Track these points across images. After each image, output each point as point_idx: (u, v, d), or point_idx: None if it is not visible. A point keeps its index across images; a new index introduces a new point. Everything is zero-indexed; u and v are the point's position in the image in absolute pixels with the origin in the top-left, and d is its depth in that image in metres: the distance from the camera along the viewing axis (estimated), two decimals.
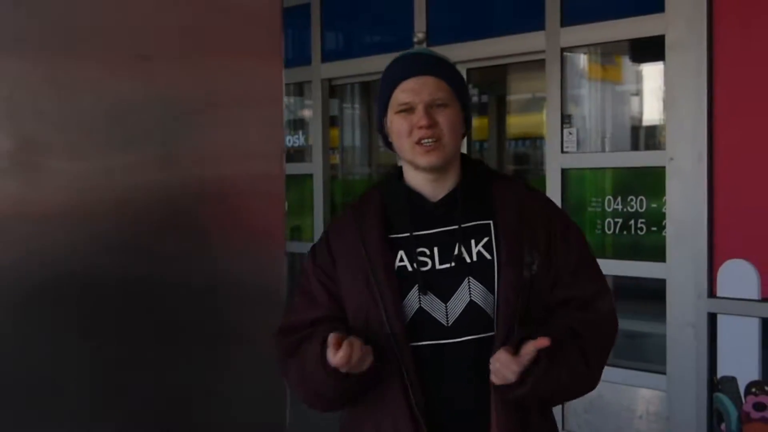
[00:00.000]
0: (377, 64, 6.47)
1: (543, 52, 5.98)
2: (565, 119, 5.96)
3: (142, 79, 2.78)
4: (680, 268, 4.83)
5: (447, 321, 2.13)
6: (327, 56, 7.64)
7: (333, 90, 7.84)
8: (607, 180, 5.84)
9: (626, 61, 6.22)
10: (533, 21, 6.04)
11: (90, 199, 2.66)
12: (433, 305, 2.15)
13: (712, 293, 4.71)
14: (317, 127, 7.76)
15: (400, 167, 2.32)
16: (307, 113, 8.11)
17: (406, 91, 2.18)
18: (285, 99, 7.73)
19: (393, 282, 2.15)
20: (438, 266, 2.17)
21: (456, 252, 2.17)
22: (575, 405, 5.63)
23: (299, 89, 8.22)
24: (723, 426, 4.69)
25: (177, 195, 2.84)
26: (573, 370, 2.11)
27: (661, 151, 5.03)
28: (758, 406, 4.57)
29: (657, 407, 5.12)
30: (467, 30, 6.70)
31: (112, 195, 2.68)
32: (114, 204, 2.67)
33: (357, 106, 8.33)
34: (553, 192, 5.89)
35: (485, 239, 2.18)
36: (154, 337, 2.79)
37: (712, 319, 4.71)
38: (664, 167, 4.98)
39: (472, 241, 2.18)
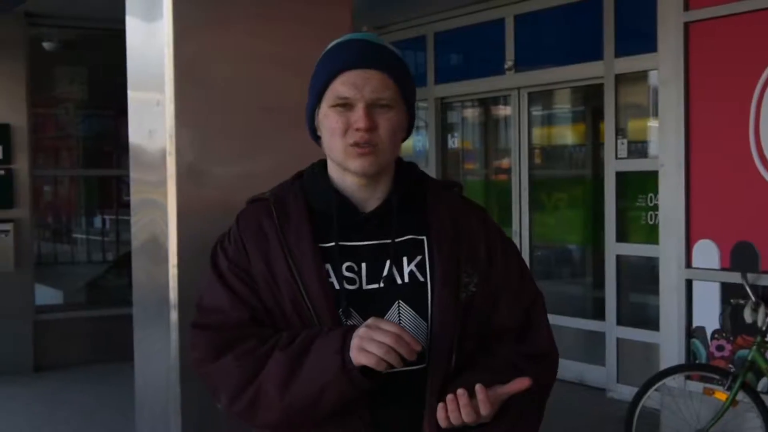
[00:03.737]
0: (478, 86, 8.60)
1: (602, 77, 7.98)
2: (619, 132, 7.91)
3: (266, 121, 4.24)
4: (668, 247, 6.79)
5: None
6: (439, 79, 9.87)
7: (445, 106, 10.03)
8: (638, 181, 7.76)
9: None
10: (594, 53, 8.03)
11: (235, 198, 4.57)
12: None
13: (689, 264, 6.62)
14: (432, 138, 9.97)
15: (324, 162, 2.12)
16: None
17: (346, 85, 1.98)
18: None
19: (330, 301, 1.95)
20: (365, 286, 1.98)
21: (386, 271, 1.98)
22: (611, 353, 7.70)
23: (418, 105, 10.48)
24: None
25: None
26: (526, 418, 2.01)
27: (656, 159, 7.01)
28: (719, 348, 6.46)
29: (654, 354, 7.12)
30: (545, 59, 8.73)
31: (245, 194, 4.74)
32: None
33: (467, 119, 10.49)
34: (609, 192, 7.88)
35: (418, 258, 2.01)
36: None
37: (689, 284, 6.62)
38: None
39: (404, 259, 2.00)
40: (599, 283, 8.19)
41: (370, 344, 1.81)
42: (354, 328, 1.87)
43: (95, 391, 8.31)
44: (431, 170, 9.87)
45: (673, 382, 5.95)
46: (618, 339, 7.84)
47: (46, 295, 9.92)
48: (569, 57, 8.41)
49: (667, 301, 6.75)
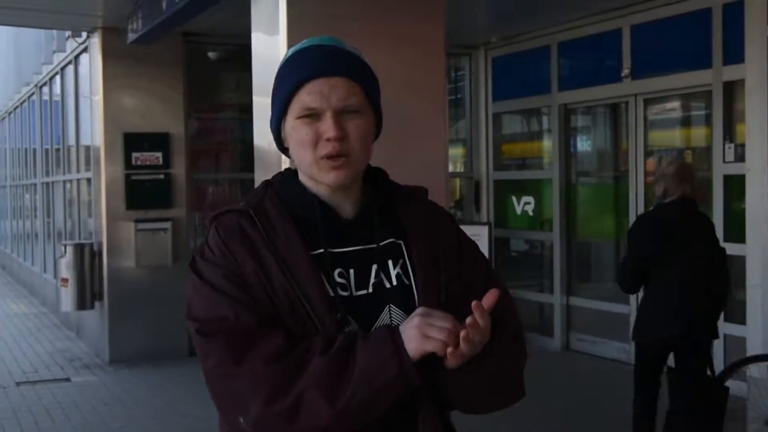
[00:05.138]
0: (597, 93, 9.34)
1: (711, 84, 8.63)
2: (726, 136, 8.52)
3: None
4: (753, 246, 7.40)
5: None
6: (563, 86, 10.65)
7: (568, 111, 10.79)
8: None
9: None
10: (703, 61, 8.67)
11: None
12: None
13: None
14: (555, 142, 10.74)
15: (291, 170, 2.11)
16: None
17: (312, 94, 1.96)
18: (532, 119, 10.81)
19: (331, 309, 1.94)
20: (355, 292, 1.99)
21: (373, 276, 2.01)
22: None
23: (539, 111, 11.32)
24: None
25: None
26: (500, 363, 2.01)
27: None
28: None
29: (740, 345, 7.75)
30: (659, 66, 9.38)
31: None
32: None
33: (588, 124, 11.19)
34: (717, 194, 8.51)
35: (401, 261, 2.05)
36: None
37: None
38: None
39: (390, 263, 2.04)
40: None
41: (432, 330, 1.84)
42: (393, 327, 1.90)
43: None
44: (554, 173, 10.68)
45: (756, 371, 6.59)
46: (724, 335, 8.44)
47: None
48: (681, 65, 9.03)
49: (752, 296, 7.38)
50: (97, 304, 10.76)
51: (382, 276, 2.03)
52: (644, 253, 5.81)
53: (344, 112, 1.98)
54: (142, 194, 10.50)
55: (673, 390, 5.92)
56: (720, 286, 5.93)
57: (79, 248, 10.74)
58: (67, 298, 10.70)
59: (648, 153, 9.65)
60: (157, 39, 9.47)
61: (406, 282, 2.04)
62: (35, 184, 17.07)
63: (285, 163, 5.06)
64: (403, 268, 2.05)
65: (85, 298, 10.67)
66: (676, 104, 9.79)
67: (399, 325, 1.90)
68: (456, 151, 12.57)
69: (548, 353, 10.27)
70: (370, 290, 2.01)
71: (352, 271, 2.01)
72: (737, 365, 6.45)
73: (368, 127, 2.03)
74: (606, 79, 9.98)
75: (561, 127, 10.66)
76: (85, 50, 11.55)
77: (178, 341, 10.54)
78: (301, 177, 2.07)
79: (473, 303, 1.86)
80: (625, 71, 9.60)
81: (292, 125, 2.01)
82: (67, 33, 11.98)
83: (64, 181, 13.94)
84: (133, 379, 9.71)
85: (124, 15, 9.53)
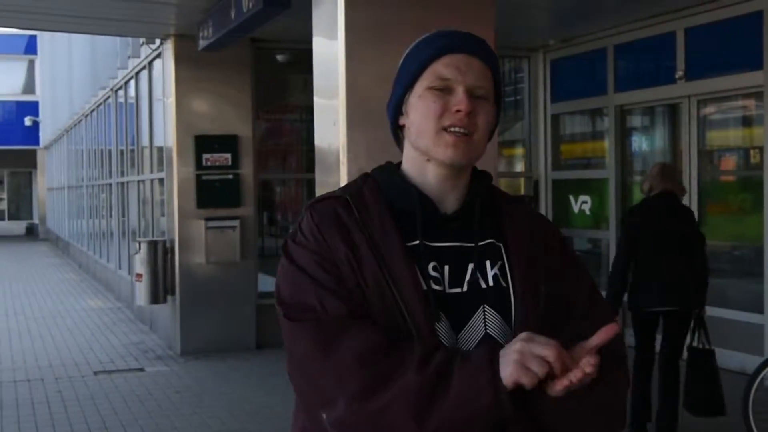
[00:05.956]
0: (652, 94, 9.64)
1: (762, 86, 8.88)
2: None
3: None
4: None
5: None
6: (619, 88, 10.92)
7: (624, 113, 11.05)
8: None
9: None
10: (755, 62, 8.93)
11: None
12: (446, 336, 1.87)
13: None
14: (611, 142, 11.02)
15: (396, 164, 2.05)
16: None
17: (449, 66, 1.92)
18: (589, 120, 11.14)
19: (423, 302, 1.86)
20: (448, 289, 1.91)
21: (469, 275, 1.93)
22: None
23: (596, 112, 11.62)
24: None
25: None
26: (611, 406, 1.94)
27: None
28: None
29: None
30: (712, 68, 9.62)
31: None
32: None
33: (643, 124, 11.41)
34: None
35: (499, 263, 1.96)
36: None
37: None
38: None
39: (487, 263, 1.96)
40: (758, 278, 9.03)
41: (532, 362, 1.73)
42: (494, 350, 1.78)
43: None
44: (611, 173, 10.96)
45: None
46: None
47: (267, 283, 11.45)
48: (733, 66, 9.30)
49: None
50: (169, 298, 11.22)
51: (478, 275, 1.94)
52: (634, 235, 6.76)
53: (474, 94, 1.93)
54: (211, 194, 10.92)
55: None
56: (700, 267, 6.70)
57: (153, 245, 11.21)
58: (142, 292, 11.18)
59: (701, 152, 9.89)
60: (227, 45, 9.92)
61: (504, 284, 1.95)
62: (110, 184, 17.68)
63: (343, 164, 5.53)
64: (501, 269, 1.97)
65: (158, 293, 11.13)
66: (728, 105, 10.02)
67: (501, 348, 1.78)
68: (515, 151, 12.91)
69: None
70: (465, 289, 1.93)
71: (447, 267, 1.94)
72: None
73: (492, 116, 1.98)
74: (661, 81, 10.26)
75: (617, 127, 10.93)
76: (158, 56, 12.04)
77: (246, 334, 11.02)
78: (408, 163, 2.02)
79: (587, 348, 1.78)
80: (679, 73, 9.86)
81: (419, 94, 1.96)
82: (142, 40, 12.46)
83: (138, 181, 14.45)
84: (203, 369, 10.16)
85: (196, 23, 10.01)
